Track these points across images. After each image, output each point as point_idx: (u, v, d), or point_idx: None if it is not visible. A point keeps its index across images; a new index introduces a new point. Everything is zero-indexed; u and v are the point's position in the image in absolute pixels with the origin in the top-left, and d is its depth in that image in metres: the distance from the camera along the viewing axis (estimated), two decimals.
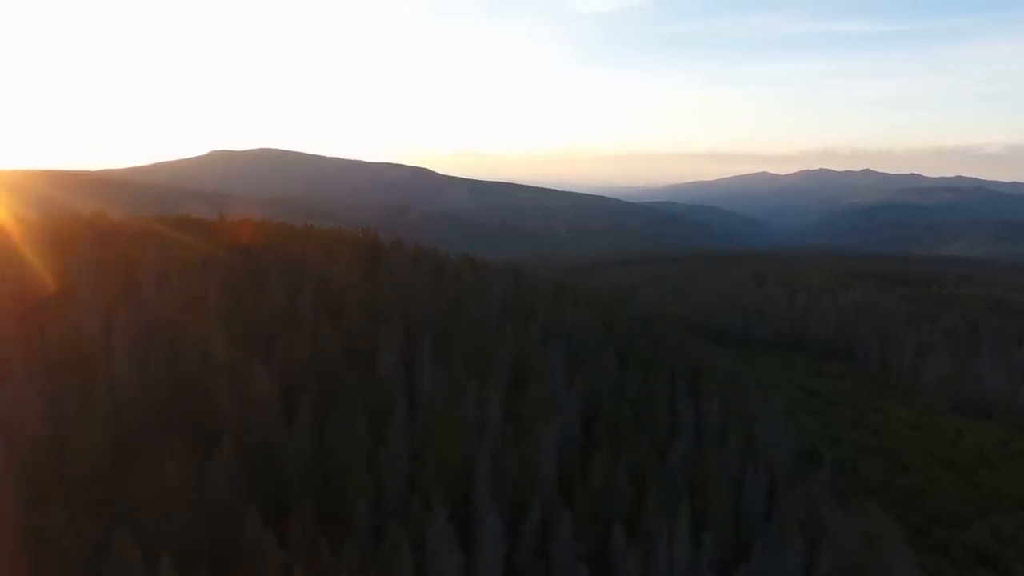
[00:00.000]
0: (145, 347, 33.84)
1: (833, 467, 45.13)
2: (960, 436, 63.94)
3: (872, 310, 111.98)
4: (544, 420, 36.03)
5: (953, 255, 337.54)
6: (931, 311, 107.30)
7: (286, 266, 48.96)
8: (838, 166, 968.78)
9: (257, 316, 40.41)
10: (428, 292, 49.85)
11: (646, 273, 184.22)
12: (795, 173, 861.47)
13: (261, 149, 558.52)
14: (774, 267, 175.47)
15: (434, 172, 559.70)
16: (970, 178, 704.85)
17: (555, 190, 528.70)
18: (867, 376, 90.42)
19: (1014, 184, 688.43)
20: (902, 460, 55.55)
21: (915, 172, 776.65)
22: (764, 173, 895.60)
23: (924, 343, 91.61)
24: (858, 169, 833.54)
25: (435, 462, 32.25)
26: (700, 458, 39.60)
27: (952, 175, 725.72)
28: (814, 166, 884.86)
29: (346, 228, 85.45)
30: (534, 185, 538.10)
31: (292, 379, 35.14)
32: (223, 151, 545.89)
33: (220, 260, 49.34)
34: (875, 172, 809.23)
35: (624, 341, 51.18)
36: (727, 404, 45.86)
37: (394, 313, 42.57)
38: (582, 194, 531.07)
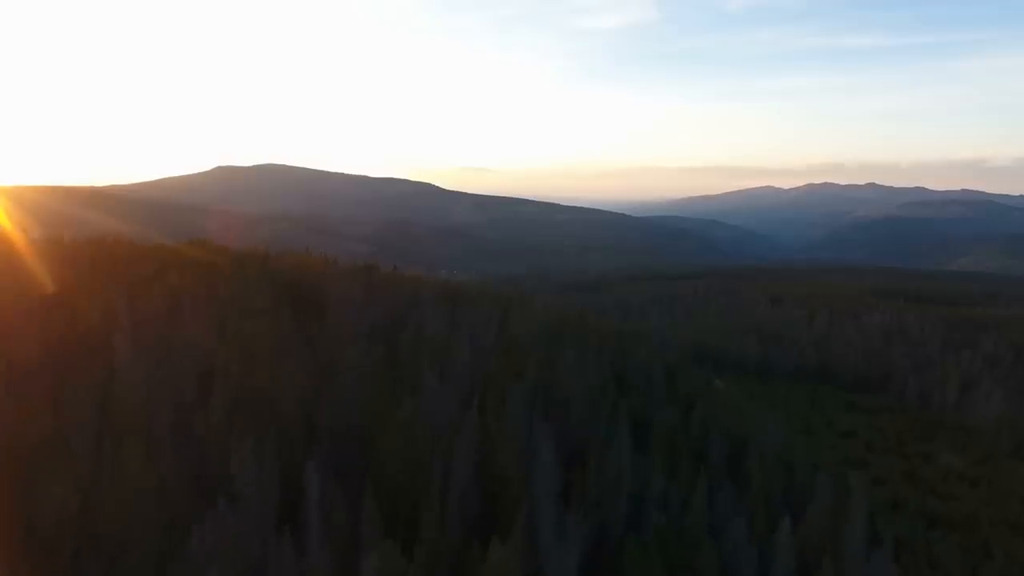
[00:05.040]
0: None
1: (903, 547, 38.18)
2: None
3: (902, 334, 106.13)
4: None
5: (962, 269, 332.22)
6: (967, 335, 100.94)
7: (170, 313, 31.26)
8: (843, 179, 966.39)
9: (50, 422, 22.37)
10: (371, 354, 33.00)
11: (654, 291, 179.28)
12: (800, 187, 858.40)
13: (266, 164, 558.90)
14: (788, 285, 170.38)
15: (438, 187, 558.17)
16: (977, 191, 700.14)
17: (559, 204, 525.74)
18: (906, 412, 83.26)
19: (1022, 198, 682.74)
20: (978, 534, 48.29)
21: (921, 185, 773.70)
22: (769, 187, 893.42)
23: (967, 373, 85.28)
24: (863, 182, 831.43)
25: None
26: None
27: (958, 188, 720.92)
28: (819, 180, 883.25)
29: (321, 250, 77.12)
30: (538, 200, 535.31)
31: (42, 568, 19.04)
32: (228, 167, 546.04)
33: (66, 307, 30.50)
34: (880, 186, 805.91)
35: (642, 403, 41.01)
36: (794, 520, 31.96)
37: (297, 403, 26.30)
38: (586, 208, 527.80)
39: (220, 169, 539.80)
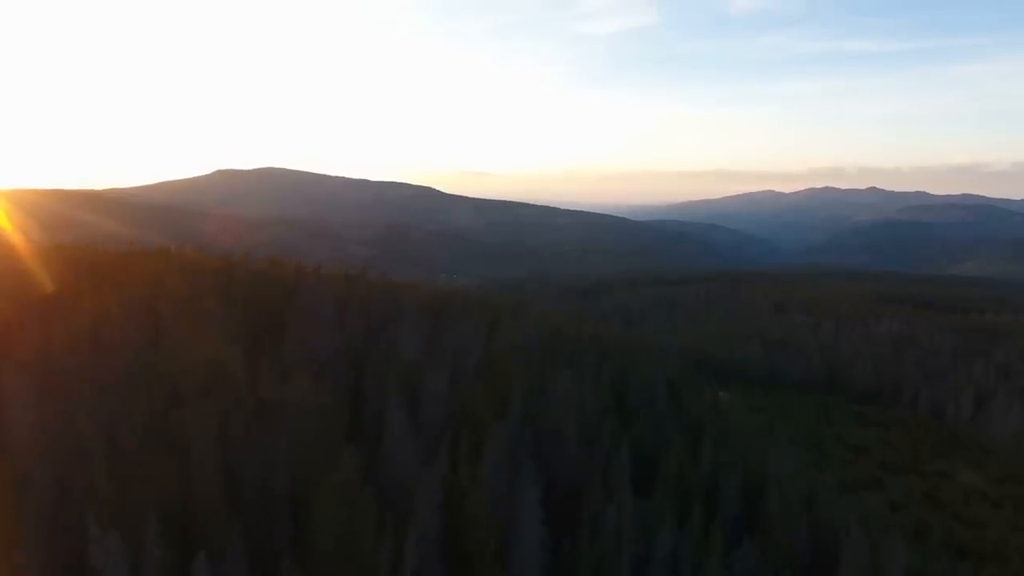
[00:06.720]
0: None
1: None
2: None
3: (911, 342, 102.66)
4: None
5: (963, 273, 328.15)
6: (978, 344, 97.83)
7: (89, 341, 24.80)
8: (844, 184, 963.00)
9: None
10: (329, 387, 27.34)
11: (655, 296, 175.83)
12: (801, 191, 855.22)
13: (266, 168, 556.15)
14: (789, 289, 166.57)
15: (438, 191, 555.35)
16: (977, 196, 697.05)
17: (559, 208, 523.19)
18: (918, 425, 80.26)
19: (1023, 202, 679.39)
20: (1010, 566, 45.03)
21: (922, 190, 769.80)
22: (769, 191, 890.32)
23: (981, 384, 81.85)
24: (864, 187, 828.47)
25: None
26: None
27: (959, 193, 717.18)
28: (819, 184, 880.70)
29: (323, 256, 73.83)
30: (538, 204, 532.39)
31: None
32: (229, 170, 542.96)
33: None
34: (881, 190, 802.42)
35: (645, 430, 36.58)
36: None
37: (219, 460, 20.86)
38: (587, 212, 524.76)
39: (220, 172, 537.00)
